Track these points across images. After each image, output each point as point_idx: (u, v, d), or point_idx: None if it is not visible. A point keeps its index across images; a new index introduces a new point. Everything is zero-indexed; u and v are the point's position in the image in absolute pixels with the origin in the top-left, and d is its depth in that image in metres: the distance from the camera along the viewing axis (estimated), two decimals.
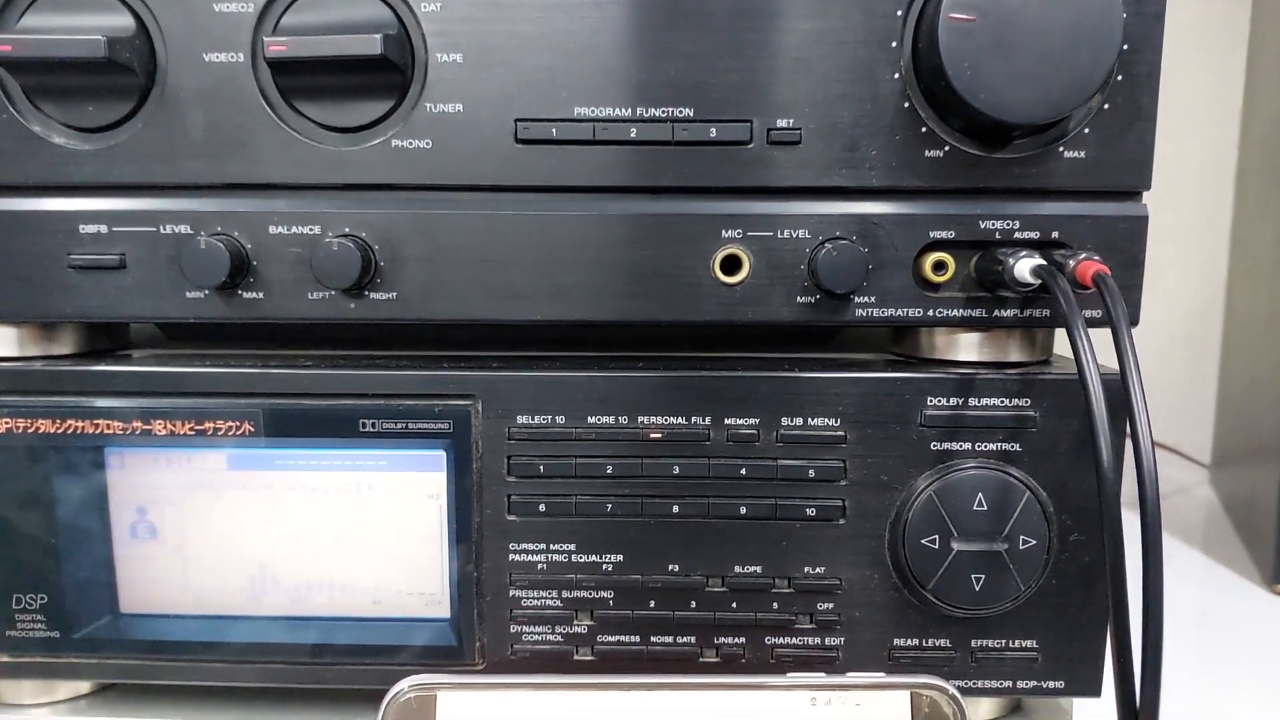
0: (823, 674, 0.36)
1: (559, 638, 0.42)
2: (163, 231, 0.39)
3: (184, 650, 0.43)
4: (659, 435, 0.40)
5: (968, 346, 0.42)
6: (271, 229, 0.39)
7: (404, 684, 0.35)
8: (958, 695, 0.35)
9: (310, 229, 0.39)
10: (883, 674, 0.36)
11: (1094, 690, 0.42)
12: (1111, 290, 0.35)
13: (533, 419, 0.40)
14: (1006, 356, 0.42)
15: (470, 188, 0.39)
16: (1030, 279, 0.37)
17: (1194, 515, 0.83)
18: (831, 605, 0.41)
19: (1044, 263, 0.37)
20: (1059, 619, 0.41)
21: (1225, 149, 0.88)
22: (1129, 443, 0.33)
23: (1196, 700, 0.49)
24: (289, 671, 0.43)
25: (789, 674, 0.36)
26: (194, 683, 0.44)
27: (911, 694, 0.35)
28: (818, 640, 0.41)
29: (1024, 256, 0.37)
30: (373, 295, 0.40)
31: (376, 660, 0.43)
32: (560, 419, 0.40)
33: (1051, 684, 0.42)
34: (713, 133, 0.38)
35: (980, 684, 0.41)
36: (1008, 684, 0.42)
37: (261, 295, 0.40)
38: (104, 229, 0.39)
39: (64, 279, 0.40)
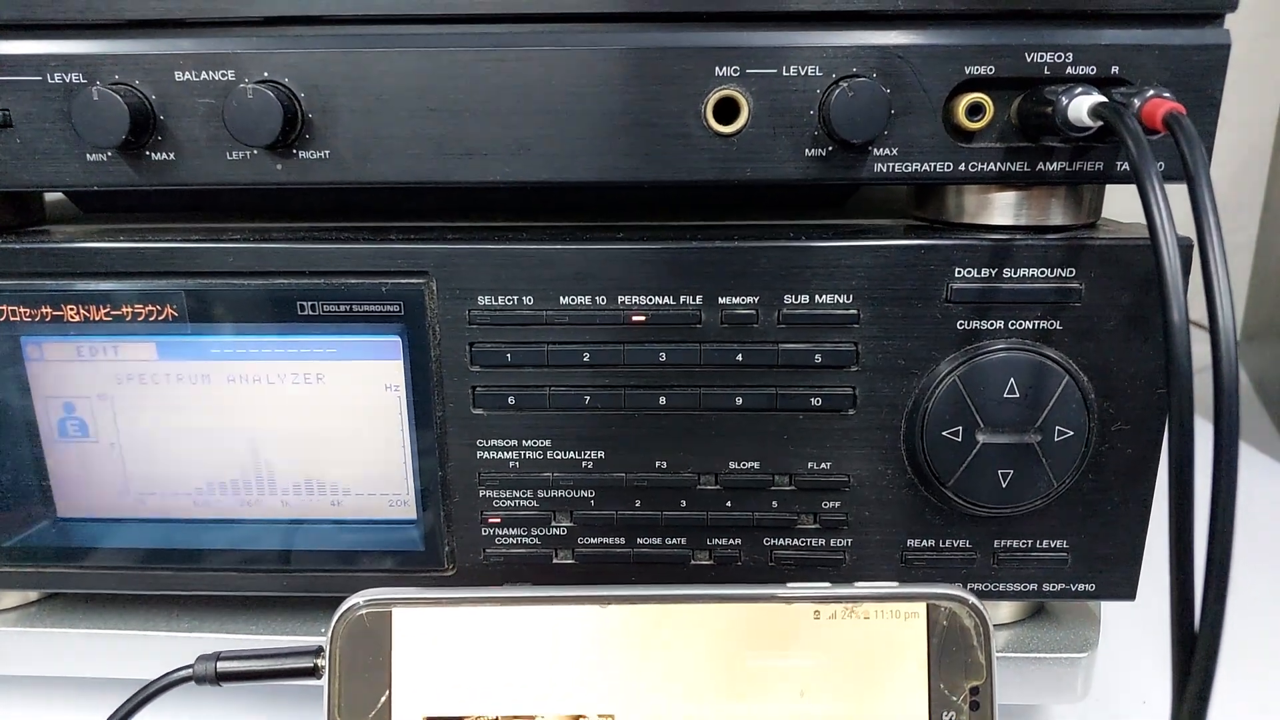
0: (827, 584, 0.31)
1: (535, 540, 0.38)
2: (50, 80, 0.33)
3: (129, 557, 0.40)
4: (643, 318, 0.35)
5: (1003, 208, 0.35)
6: (178, 75, 0.33)
7: (357, 598, 0.31)
8: (979, 606, 0.31)
9: (223, 74, 0.33)
10: (895, 583, 0.31)
11: (1128, 593, 0.38)
12: (1188, 133, 0.28)
13: (496, 300, 0.35)
14: (1048, 220, 0.36)
15: (413, 18, 0.33)
16: (1089, 121, 0.30)
17: None
18: (838, 504, 0.37)
19: (1107, 100, 0.30)
20: (1093, 517, 0.37)
21: None
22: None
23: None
24: (243, 579, 0.40)
25: (790, 584, 0.31)
26: (139, 591, 0.40)
27: (928, 605, 0.31)
28: (822, 542, 0.37)
29: (1080, 94, 0.31)
30: (302, 154, 0.34)
31: (337, 566, 0.39)
32: (528, 299, 0.35)
33: (1081, 586, 0.37)
34: None
35: (1002, 587, 0.37)
36: (1032, 587, 0.37)
37: (172, 156, 0.34)
38: None
39: None
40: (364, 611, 0.31)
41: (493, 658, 0.31)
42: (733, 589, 0.31)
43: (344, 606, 0.31)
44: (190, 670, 0.31)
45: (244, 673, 0.31)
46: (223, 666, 0.31)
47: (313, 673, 0.31)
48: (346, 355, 0.37)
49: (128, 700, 0.31)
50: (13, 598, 0.43)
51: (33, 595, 0.43)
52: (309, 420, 0.38)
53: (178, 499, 0.40)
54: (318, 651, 0.32)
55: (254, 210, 0.41)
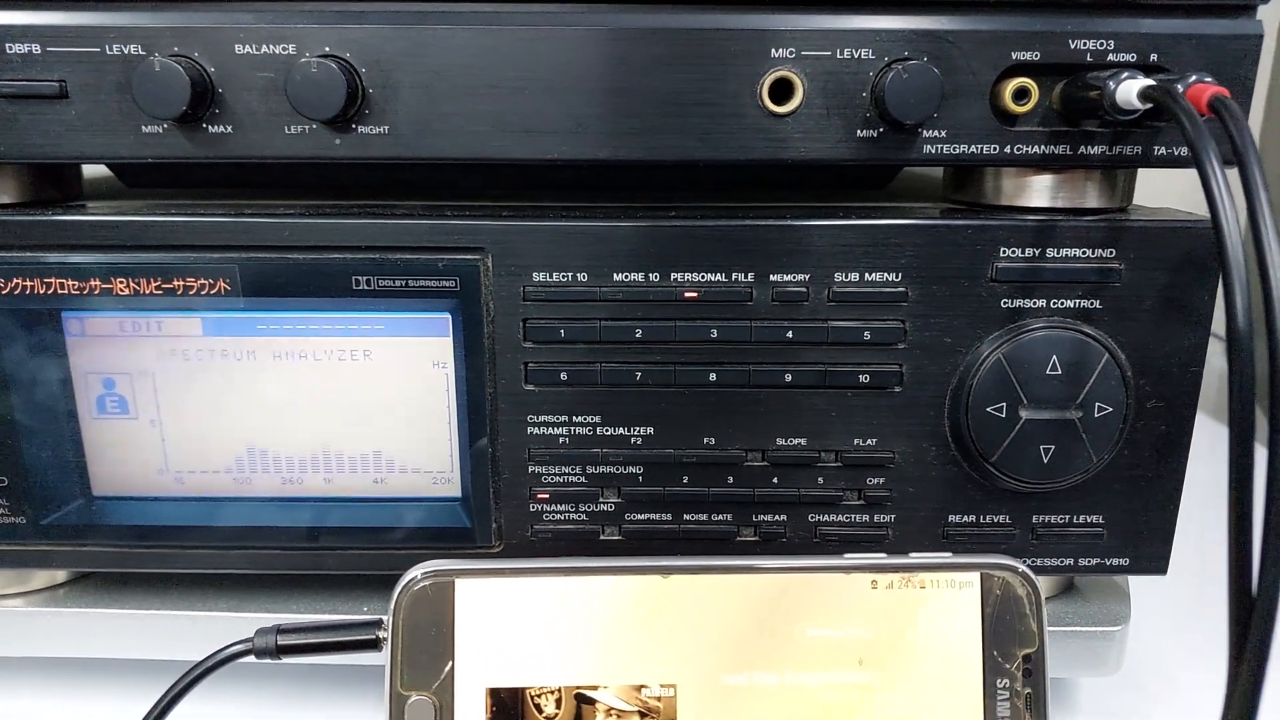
0: (884, 555, 0.32)
1: (583, 516, 0.38)
2: (109, 52, 0.33)
3: (167, 535, 0.39)
4: (695, 294, 0.35)
5: (1041, 191, 0.36)
6: (238, 48, 0.33)
7: (417, 571, 0.31)
8: (1032, 576, 0.32)
9: (283, 48, 0.33)
10: (949, 554, 0.32)
11: (1160, 567, 0.39)
12: (1235, 116, 0.29)
13: (550, 276, 0.35)
14: (1083, 202, 0.37)
15: None
16: (1138, 104, 0.31)
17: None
18: (882, 480, 0.37)
19: (1155, 83, 0.31)
20: (1128, 492, 0.38)
21: None
22: None
23: None
24: (284, 557, 0.39)
25: (846, 555, 0.32)
26: (179, 570, 0.40)
27: (981, 575, 0.32)
28: (866, 518, 0.38)
29: (1127, 78, 0.32)
30: (361, 129, 0.34)
31: (381, 544, 0.39)
32: (582, 276, 0.35)
33: (1116, 561, 0.38)
34: None
35: (1040, 562, 0.38)
36: (1069, 562, 0.38)
37: (230, 129, 0.34)
38: (36, 48, 0.33)
39: None
40: (427, 583, 0.31)
41: (554, 629, 0.31)
42: (792, 560, 0.32)
43: (406, 578, 0.31)
44: (250, 643, 0.31)
45: (304, 645, 0.31)
46: (283, 639, 0.31)
47: (373, 644, 0.31)
48: (395, 332, 0.37)
49: (186, 673, 0.31)
50: (40, 579, 0.42)
51: (60, 576, 0.43)
52: (355, 397, 0.38)
53: (218, 477, 0.39)
54: (378, 624, 0.32)
55: (302, 187, 0.41)
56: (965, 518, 0.38)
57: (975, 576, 0.32)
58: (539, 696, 0.31)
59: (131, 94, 0.33)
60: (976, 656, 0.32)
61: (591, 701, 0.31)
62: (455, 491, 0.39)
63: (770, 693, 0.31)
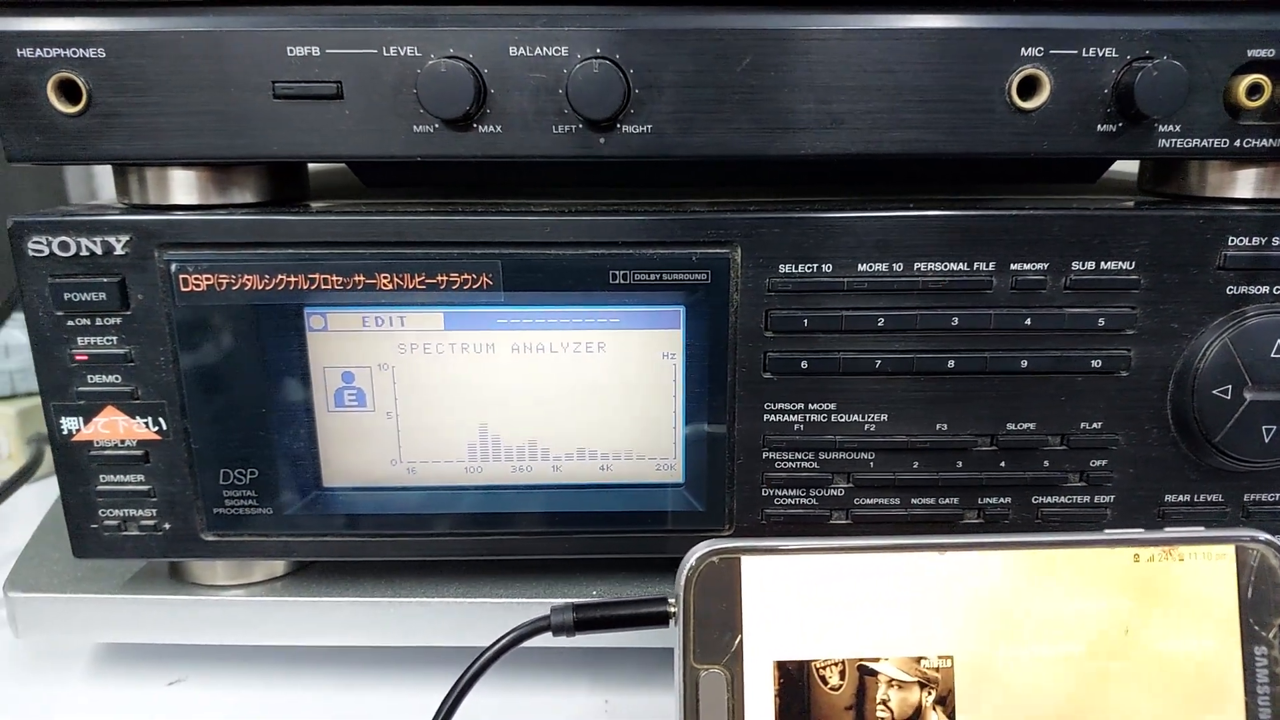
0: (1142, 530, 0.33)
1: (813, 501, 0.39)
2: (385, 54, 0.34)
3: (395, 525, 0.40)
4: (938, 283, 0.37)
5: (1253, 182, 0.38)
6: (512, 50, 0.34)
7: (704, 548, 0.32)
8: None
9: (556, 50, 0.34)
10: (1202, 528, 0.34)
11: None
12: None
13: (796, 268, 0.37)
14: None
15: (736, 1, 0.34)
16: None
17: None
18: (1105, 462, 0.39)
19: None
20: None
21: None
22: None
23: None
24: (515, 542, 0.41)
25: (1107, 530, 0.33)
26: (404, 558, 0.41)
27: (1236, 548, 0.33)
28: (1087, 499, 0.39)
29: None
30: (625, 129, 0.35)
31: (616, 529, 0.40)
32: (827, 267, 0.37)
33: None
34: None
35: None
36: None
37: (499, 129, 0.35)
38: (316, 50, 0.34)
39: (269, 111, 0.35)
40: (715, 559, 0.33)
41: (835, 604, 0.33)
42: (1060, 535, 0.33)
43: (693, 556, 0.33)
44: (548, 620, 0.33)
45: (600, 620, 0.33)
46: (579, 615, 0.32)
47: (663, 620, 0.33)
48: (630, 325, 0.39)
49: (489, 647, 0.32)
50: (260, 571, 0.43)
51: (279, 569, 0.44)
52: (586, 388, 0.39)
53: (450, 466, 0.41)
54: (663, 600, 0.33)
55: (540, 183, 0.42)
56: (1181, 497, 0.39)
57: (1230, 549, 0.33)
58: (824, 669, 0.33)
59: (415, 93, 0.34)
60: (1234, 626, 0.33)
61: (874, 673, 0.33)
62: (677, 478, 0.41)
63: (1042, 662, 0.33)
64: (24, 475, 0.55)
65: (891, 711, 0.32)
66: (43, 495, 0.60)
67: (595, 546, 0.40)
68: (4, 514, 0.56)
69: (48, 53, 0.34)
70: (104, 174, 0.93)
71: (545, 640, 0.33)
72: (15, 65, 0.34)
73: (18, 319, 0.66)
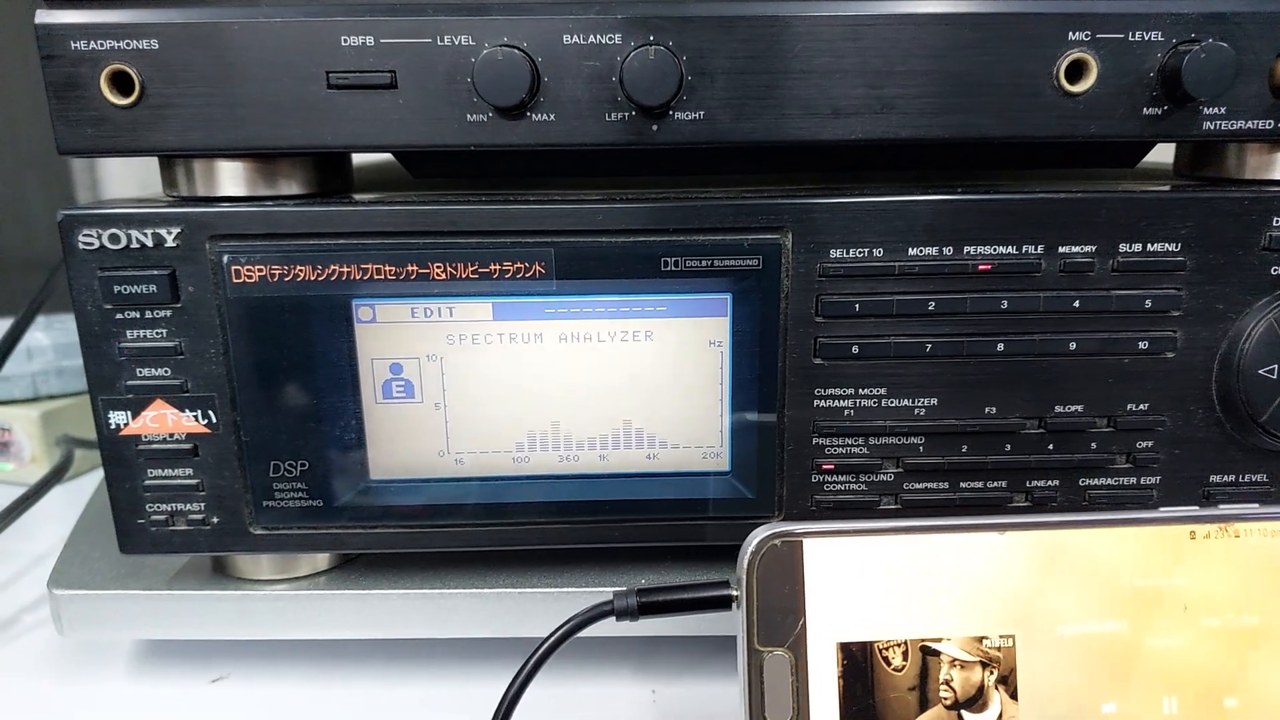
0: (1196, 508, 0.34)
1: (863, 487, 0.40)
2: (439, 43, 0.34)
3: (450, 515, 0.40)
4: (988, 266, 0.37)
5: None
6: (565, 39, 0.34)
7: (765, 531, 0.32)
8: None
9: (610, 38, 0.34)
10: (1257, 505, 0.34)
11: None
12: None
13: (847, 252, 0.37)
14: None
15: None
16: None
17: None
18: (1151, 443, 0.39)
19: None
20: None
21: None
22: None
23: None
24: (563, 531, 0.41)
25: (1162, 509, 0.34)
26: (463, 548, 0.41)
27: None
28: (1133, 480, 0.40)
29: None
30: (678, 115, 0.35)
31: (662, 516, 0.40)
32: (878, 251, 0.37)
33: None
34: None
35: None
36: None
37: (553, 117, 0.35)
38: (370, 40, 0.34)
39: (323, 101, 0.35)
40: (777, 543, 0.33)
41: (896, 585, 0.33)
42: (1115, 514, 0.34)
43: (755, 539, 0.33)
44: (611, 604, 0.33)
45: (663, 603, 0.33)
46: (643, 599, 0.32)
47: (725, 603, 0.33)
48: (677, 313, 0.39)
49: (553, 633, 0.32)
50: (305, 565, 0.43)
51: (322, 563, 0.44)
52: (633, 376, 0.39)
53: (498, 457, 0.41)
54: (725, 584, 0.33)
55: (585, 172, 0.42)
56: (1225, 477, 0.40)
57: None
58: (886, 650, 0.33)
59: (471, 82, 0.34)
60: None
61: (936, 653, 0.33)
62: (724, 466, 0.41)
63: (1103, 640, 0.33)
64: (55, 476, 0.54)
65: (954, 691, 0.33)
66: (69, 498, 0.60)
67: (645, 535, 0.41)
68: (32, 517, 0.56)
69: (101, 45, 0.34)
70: (109, 173, 0.93)
71: (591, 630, 0.33)
72: (69, 58, 0.34)
73: (40, 322, 0.66)
